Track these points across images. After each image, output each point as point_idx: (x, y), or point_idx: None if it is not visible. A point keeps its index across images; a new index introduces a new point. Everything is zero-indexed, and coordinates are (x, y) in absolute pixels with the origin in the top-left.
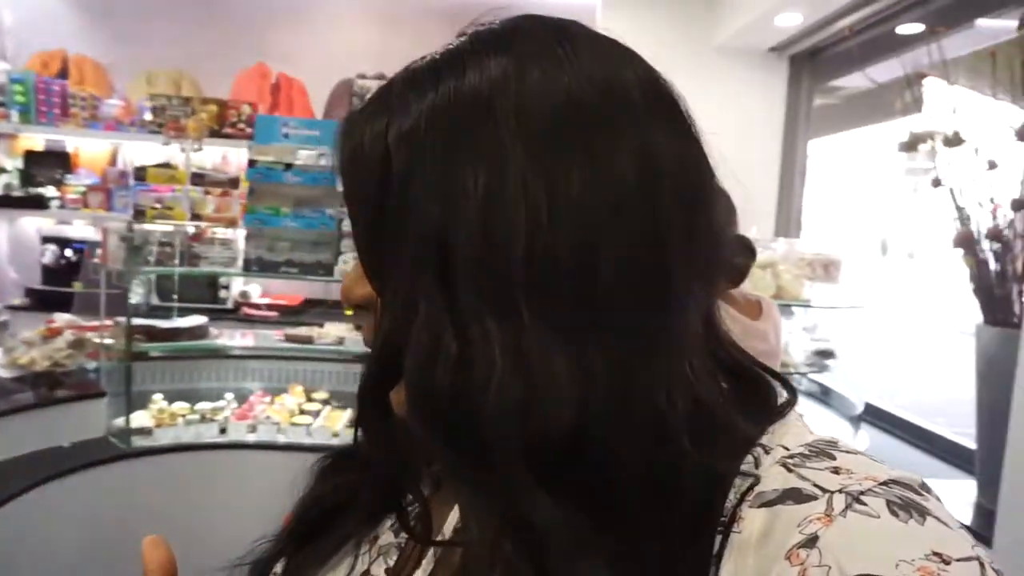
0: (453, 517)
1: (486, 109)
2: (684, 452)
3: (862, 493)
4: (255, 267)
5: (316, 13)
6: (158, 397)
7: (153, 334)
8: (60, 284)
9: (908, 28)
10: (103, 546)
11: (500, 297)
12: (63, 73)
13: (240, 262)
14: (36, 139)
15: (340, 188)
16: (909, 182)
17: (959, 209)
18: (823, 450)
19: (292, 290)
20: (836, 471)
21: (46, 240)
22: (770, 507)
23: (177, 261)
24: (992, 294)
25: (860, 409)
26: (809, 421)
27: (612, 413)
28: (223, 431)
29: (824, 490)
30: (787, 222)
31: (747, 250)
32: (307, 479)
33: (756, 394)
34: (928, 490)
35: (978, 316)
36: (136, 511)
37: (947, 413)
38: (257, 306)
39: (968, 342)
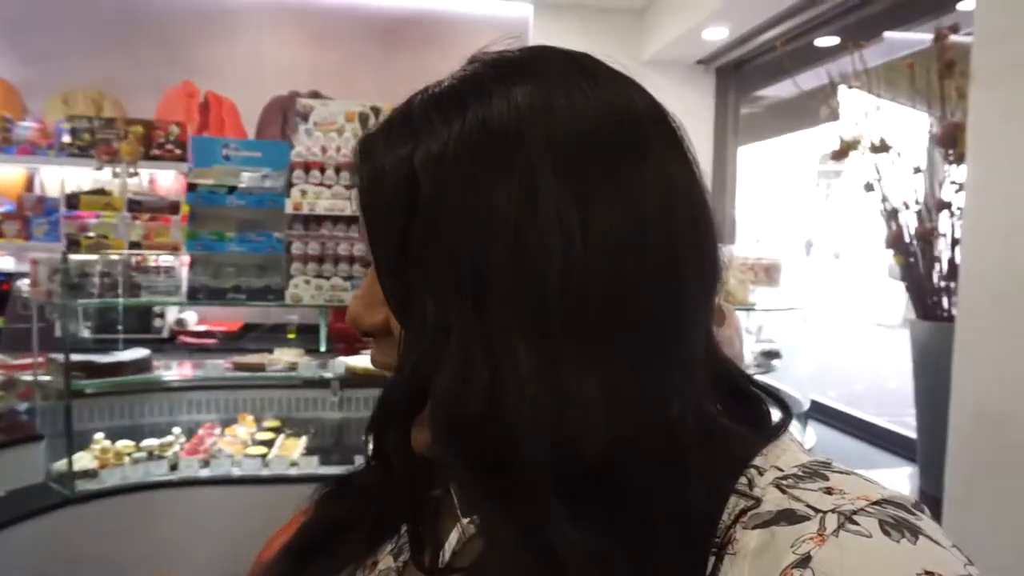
0: (452, 540)
1: (516, 136)
2: (695, 470)
3: (855, 513)
4: (201, 295)
5: (244, 28)
6: (100, 436)
7: (92, 370)
8: None
9: (826, 41)
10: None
11: (534, 322)
12: None
13: (184, 290)
14: None
15: (354, 208)
16: (823, 185)
17: (889, 212)
18: (816, 471)
19: (230, 316)
20: (829, 491)
21: None
22: (764, 528)
23: (121, 292)
24: (923, 290)
25: (807, 406)
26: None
27: (639, 435)
28: (174, 467)
29: (817, 510)
30: (722, 228)
31: None
32: (309, 506)
33: (750, 412)
34: (921, 509)
35: (904, 311)
36: (84, 561)
37: (878, 403)
38: (195, 333)
39: (887, 335)
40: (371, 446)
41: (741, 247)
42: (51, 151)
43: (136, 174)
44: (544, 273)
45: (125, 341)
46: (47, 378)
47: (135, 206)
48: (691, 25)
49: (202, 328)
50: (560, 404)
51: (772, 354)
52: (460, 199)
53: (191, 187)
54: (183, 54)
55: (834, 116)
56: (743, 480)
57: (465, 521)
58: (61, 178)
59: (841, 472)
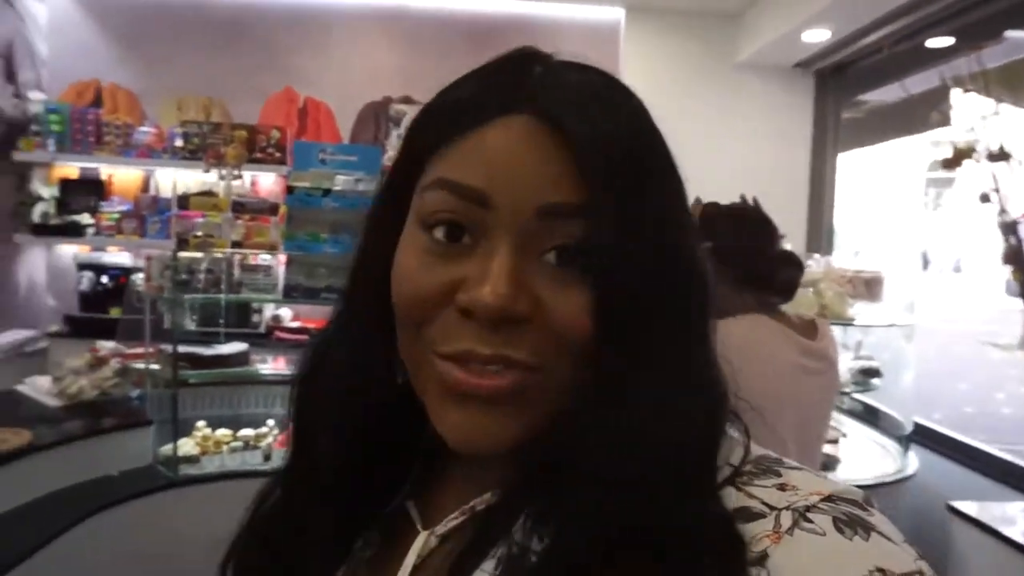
0: (413, 551)
1: (671, 158)
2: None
3: (808, 509)
4: (296, 293)
5: (340, 37)
6: (201, 424)
7: (197, 361)
8: (97, 311)
9: (938, 42)
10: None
11: (705, 334)
12: (97, 102)
13: (280, 288)
14: (71, 167)
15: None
16: (932, 195)
17: (1007, 225)
18: (769, 467)
19: (323, 314)
20: (783, 488)
21: (82, 267)
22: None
23: (224, 288)
24: None
25: (909, 429)
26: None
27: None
28: (267, 458)
29: (771, 507)
30: (818, 238)
31: (794, 264)
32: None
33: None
34: (872, 504)
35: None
36: (185, 540)
37: (990, 429)
38: (290, 330)
39: (1004, 357)
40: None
41: (840, 258)
42: (165, 154)
43: (240, 176)
44: (692, 288)
45: (226, 335)
46: (156, 367)
47: (238, 207)
48: (791, 27)
49: (296, 325)
50: (675, 419)
51: (871, 372)
52: (655, 198)
53: (289, 189)
54: (284, 61)
55: (945, 121)
56: None
57: (423, 535)
58: (173, 179)
59: (793, 468)
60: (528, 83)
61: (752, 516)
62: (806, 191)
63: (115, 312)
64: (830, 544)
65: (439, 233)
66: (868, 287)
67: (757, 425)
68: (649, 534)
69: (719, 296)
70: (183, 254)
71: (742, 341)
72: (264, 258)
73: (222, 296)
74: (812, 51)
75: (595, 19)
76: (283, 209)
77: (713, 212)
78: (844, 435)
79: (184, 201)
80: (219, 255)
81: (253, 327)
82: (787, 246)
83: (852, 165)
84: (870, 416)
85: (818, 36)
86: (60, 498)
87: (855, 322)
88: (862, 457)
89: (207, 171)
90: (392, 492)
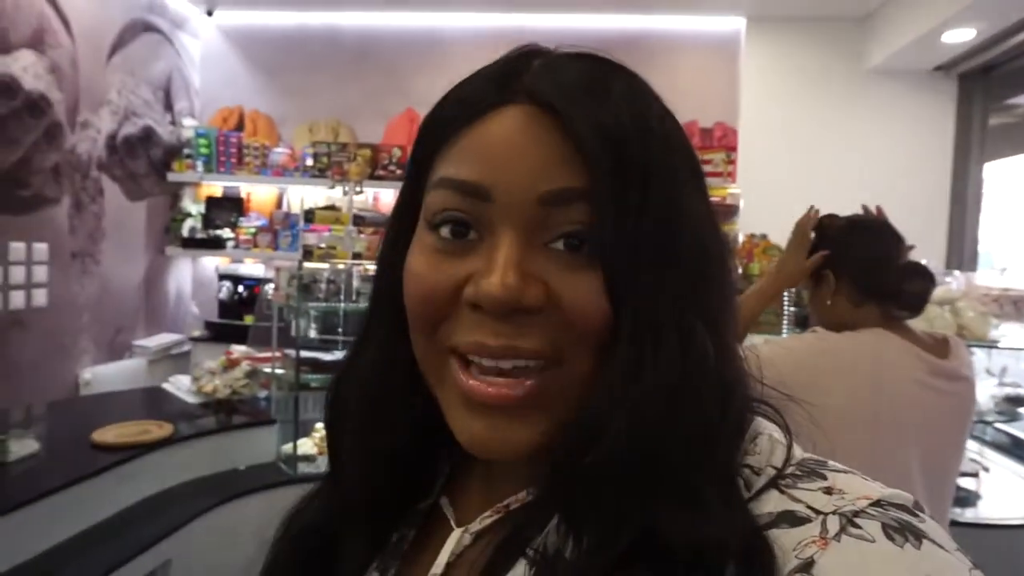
0: (447, 549)
1: (684, 144)
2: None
3: (856, 514)
4: None
5: (458, 58)
6: (319, 426)
7: (318, 366)
8: (233, 317)
9: None
10: None
11: (723, 318)
12: (239, 126)
13: None
14: (215, 186)
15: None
16: None
17: None
18: (814, 469)
19: None
20: (828, 491)
21: (222, 277)
22: (766, 531)
23: (342, 297)
24: None
25: None
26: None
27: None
28: None
29: (817, 512)
30: (960, 254)
31: (922, 276)
32: (270, 554)
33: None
34: (922, 510)
35: None
36: None
37: None
38: None
39: None
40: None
41: (984, 276)
42: (297, 173)
43: (361, 192)
44: (720, 269)
45: (344, 342)
46: (281, 371)
47: (359, 220)
48: (930, 27)
49: None
50: (714, 402)
51: (1018, 400)
52: (686, 190)
53: None
54: (406, 85)
55: None
56: (739, 480)
57: (458, 532)
58: (301, 196)
59: (839, 471)
60: (525, 75)
61: (797, 520)
62: (947, 203)
63: (248, 319)
64: (879, 551)
65: (445, 231)
66: (1017, 307)
67: (859, 439)
68: (675, 542)
69: (839, 311)
70: (308, 265)
71: (859, 356)
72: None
73: (341, 305)
74: (955, 53)
75: (715, 30)
76: None
77: (830, 223)
78: (986, 469)
79: (310, 215)
80: (341, 266)
81: None
82: (921, 260)
83: (1002, 175)
84: (1017, 449)
85: (961, 36)
86: (196, 486)
87: (1000, 344)
88: (1006, 493)
89: (332, 187)
90: (428, 487)
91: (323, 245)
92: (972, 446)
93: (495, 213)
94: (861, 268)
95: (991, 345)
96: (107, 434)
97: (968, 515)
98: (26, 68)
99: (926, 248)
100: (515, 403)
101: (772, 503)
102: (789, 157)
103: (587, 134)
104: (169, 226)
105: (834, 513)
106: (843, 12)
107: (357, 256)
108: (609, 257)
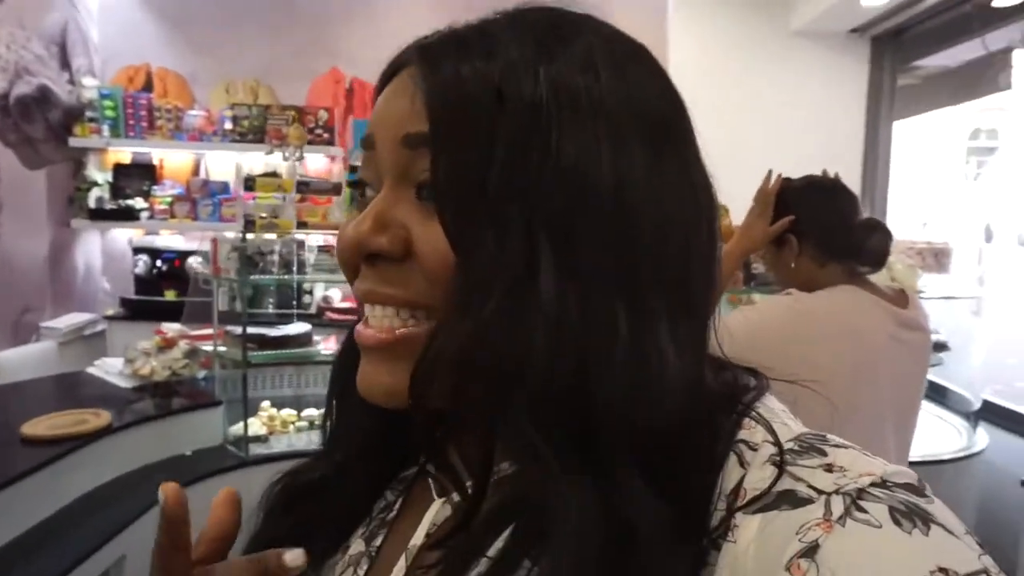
0: (427, 519)
1: (608, 98)
2: (723, 432)
3: (861, 493)
4: None
5: (387, 15)
6: (266, 404)
7: (264, 342)
8: (153, 294)
9: (1002, 1)
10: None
11: (626, 280)
12: (147, 86)
13: None
14: (124, 152)
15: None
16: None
17: None
18: (813, 444)
19: None
20: (829, 468)
21: (137, 251)
22: (765, 512)
23: (295, 269)
24: None
25: (977, 405)
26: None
27: (695, 393)
28: None
29: (819, 491)
30: (871, 208)
31: (881, 232)
32: (258, 512)
33: (727, 378)
34: (927, 490)
35: None
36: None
37: None
38: (340, 310)
39: None
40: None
41: (905, 230)
42: (216, 137)
43: (301, 158)
44: (635, 233)
45: (279, 316)
46: (223, 349)
47: (303, 187)
48: None
49: (346, 305)
50: (648, 360)
51: (939, 346)
52: (554, 142)
53: (352, 168)
54: (330, 43)
55: (1007, 85)
56: (733, 456)
57: (438, 503)
58: (236, 162)
59: (839, 446)
60: (425, 39)
61: (799, 501)
62: (860, 160)
63: (170, 295)
64: (887, 539)
65: (358, 193)
66: (937, 258)
67: (843, 400)
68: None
69: (804, 273)
70: (251, 236)
71: (833, 314)
72: (328, 239)
73: (295, 277)
74: (870, 16)
75: None
76: (346, 189)
77: (788, 186)
78: None
79: (250, 183)
80: (300, 237)
81: (304, 308)
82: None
83: (905, 134)
84: (935, 393)
85: (876, 0)
86: (141, 476)
87: (924, 294)
88: (928, 434)
89: (269, 152)
90: (417, 455)
91: (263, 215)
92: None
93: (378, 162)
94: (823, 229)
95: (919, 295)
96: (38, 426)
97: (879, 458)
98: None
99: None
100: (384, 346)
101: (771, 481)
102: (717, 118)
103: (434, 85)
104: (73, 196)
105: (837, 493)
106: None
107: (302, 225)
108: (442, 206)
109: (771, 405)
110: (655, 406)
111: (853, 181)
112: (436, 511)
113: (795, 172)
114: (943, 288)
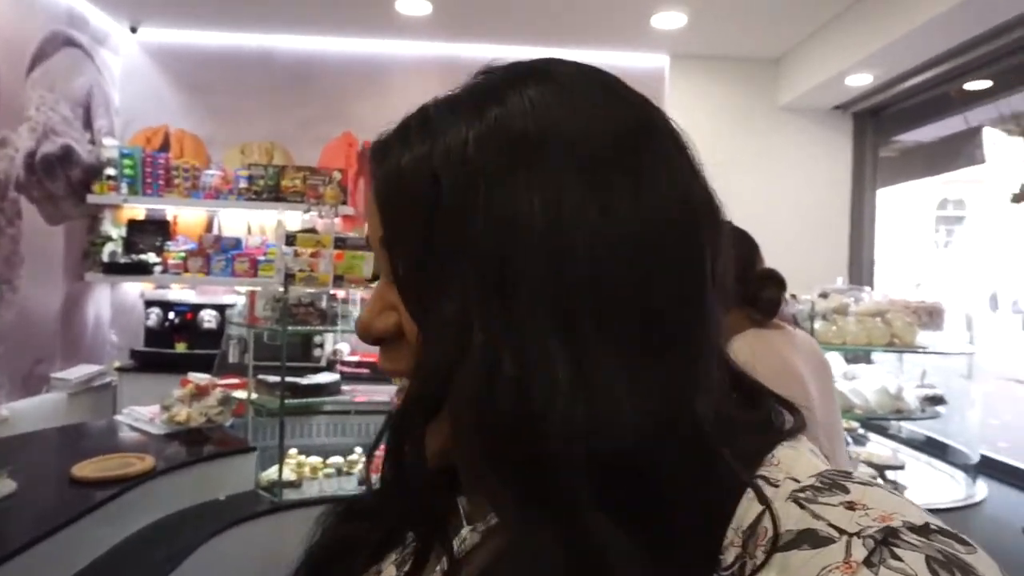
0: (455, 546)
1: (537, 135)
2: (722, 468)
3: (892, 538)
4: None
5: (397, 85)
6: (293, 451)
7: (296, 390)
8: (163, 346)
9: (975, 84)
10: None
11: (564, 319)
12: (164, 147)
13: None
14: (138, 209)
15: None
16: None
17: None
18: (835, 481)
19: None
20: (851, 506)
21: (150, 304)
22: (784, 552)
23: (320, 321)
24: None
25: (976, 459)
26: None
27: (666, 429)
28: (362, 483)
29: (841, 531)
30: (859, 269)
31: (777, 283)
32: (314, 529)
33: (756, 409)
34: (970, 540)
35: None
36: (292, 562)
37: None
38: (349, 363)
39: None
40: (371, 460)
41: (890, 290)
42: (231, 196)
43: (337, 215)
44: (573, 269)
45: (291, 369)
46: (256, 396)
47: (340, 243)
48: (835, 72)
49: (355, 359)
50: (592, 397)
51: (936, 400)
52: (482, 198)
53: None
54: (343, 109)
55: (980, 160)
56: (750, 492)
57: (466, 530)
58: (279, 219)
59: (863, 483)
60: (380, 136)
61: (820, 541)
62: (847, 226)
63: (180, 347)
64: None
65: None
66: (931, 316)
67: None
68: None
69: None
70: (290, 289)
71: (753, 356)
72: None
73: (333, 329)
74: (851, 95)
75: (640, 67)
76: None
77: None
78: (902, 466)
79: (291, 239)
80: (345, 291)
81: (315, 360)
82: (838, 281)
83: (879, 204)
84: (933, 448)
85: (860, 80)
86: (180, 520)
87: (926, 349)
88: (929, 484)
89: (307, 211)
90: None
91: (303, 268)
92: (890, 444)
93: (375, 256)
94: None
95: (917, 350)
96: (86, 468)
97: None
98: None
99: (831, 265)
100: None
101: (792, 520)
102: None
103: (378, 184)
104: (88, 250)
105: (859, 535)
106: (758, 54)
107: (338, 279)
108: (401, 290)
109: (799, 442)
110: (605, 443)
111: (841, 244)
112: (464, 538)
113: (786, 236)
114: (941, 344)
